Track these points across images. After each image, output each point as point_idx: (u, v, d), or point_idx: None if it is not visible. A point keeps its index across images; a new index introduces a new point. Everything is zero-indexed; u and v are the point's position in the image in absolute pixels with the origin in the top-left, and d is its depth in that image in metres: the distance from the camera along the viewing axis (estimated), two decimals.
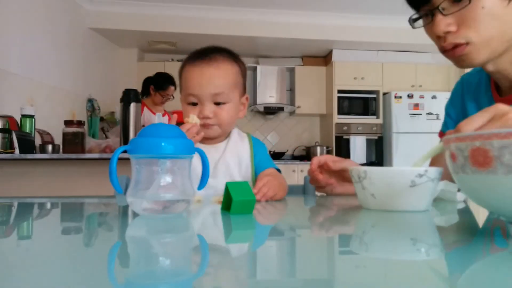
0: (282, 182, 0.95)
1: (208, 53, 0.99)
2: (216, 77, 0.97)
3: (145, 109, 3.09)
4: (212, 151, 0.98)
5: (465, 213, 0.67)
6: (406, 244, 0.41)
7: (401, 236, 0.44)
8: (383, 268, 0.32)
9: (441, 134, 1.08)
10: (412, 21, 0.82)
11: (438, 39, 0.80)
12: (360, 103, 4.85)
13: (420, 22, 0.83)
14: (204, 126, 0.96)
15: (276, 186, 0.83)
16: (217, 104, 0.98)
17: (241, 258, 0.35)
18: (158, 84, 3.20)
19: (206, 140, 1.00)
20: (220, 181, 0.95)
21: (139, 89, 2.36)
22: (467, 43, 0.77)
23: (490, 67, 0.83)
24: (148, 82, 3.27)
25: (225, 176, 0.98)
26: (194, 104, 0.98)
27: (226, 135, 1.05)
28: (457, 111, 1.02)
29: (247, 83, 1.11)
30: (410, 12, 0.83)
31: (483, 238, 0.44)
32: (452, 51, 0.79)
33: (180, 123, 2.61)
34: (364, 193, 0.65)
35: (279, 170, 1.05)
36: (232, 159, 1.00)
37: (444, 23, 0.76)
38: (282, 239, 0.45)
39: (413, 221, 0.54)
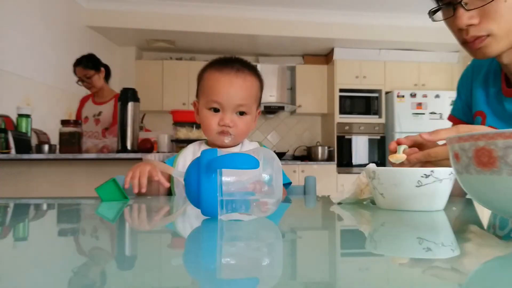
0: None
1: (235, 63, 1.04)
2: (243, 89, 1.02)
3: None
4: None
5: (477, 214, 0.66)
6: (413, 243, 0.40)
7: (408, 236, 0.45)
8: (386, 268, 0.32)
9: (451, 117, 1.10)
10: (432, 13, 0.84)
11: (460, 31, 0.82)
12: (362, 102, 4.80)
13: (439, 15, 0.85)
14: (222, 133, 1.01)
15: None
16: (238, 114, 1.02)
17: (241, 259, 0.34)
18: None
19: (220, 145, 1.03)
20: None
21: (137, 88, 2.30)
22: (487, 35, 0.80)
23: (505, 60, 0.87)
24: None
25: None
26: (216, 110, 1.01)
27: (237, 144, 1.09)
28: (466, 94, 1.05)
29: None
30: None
31: (496, 239, 0.43)
32: (472, 43, 0.82)
33: (178, 122, 2.50)
34: (375, 192, 0.66)
35: (290, 183, 1.07)
36: None
37: (466, 16, 0.79)
38: (284, 241, 0.44)
39: (422, 221, 0.53)
